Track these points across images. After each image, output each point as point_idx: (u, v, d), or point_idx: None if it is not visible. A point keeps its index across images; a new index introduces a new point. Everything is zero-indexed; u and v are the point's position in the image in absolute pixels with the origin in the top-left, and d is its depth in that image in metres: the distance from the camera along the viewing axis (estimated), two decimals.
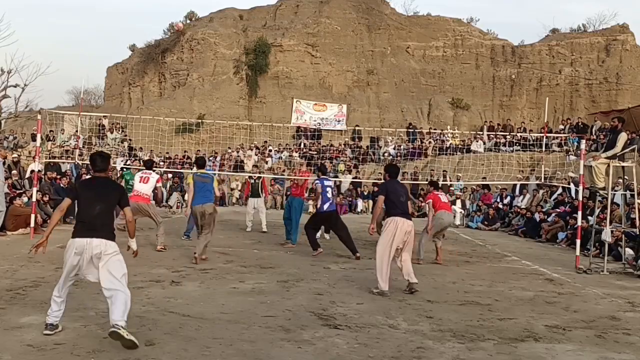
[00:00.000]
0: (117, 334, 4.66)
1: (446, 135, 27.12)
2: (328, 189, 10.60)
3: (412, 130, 27.60)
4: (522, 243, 14.74)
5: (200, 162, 10.20)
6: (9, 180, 14.51)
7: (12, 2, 62.52)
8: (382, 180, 11.14)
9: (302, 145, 26.72)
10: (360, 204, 22.13)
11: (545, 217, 15.91)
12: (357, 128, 27.66)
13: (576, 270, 10.15)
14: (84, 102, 27.55)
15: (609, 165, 10.37)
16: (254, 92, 29.98)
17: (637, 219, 10.94)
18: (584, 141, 12.09)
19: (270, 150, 26.14)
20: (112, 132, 25.17)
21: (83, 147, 19.82)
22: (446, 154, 24.47)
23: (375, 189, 15.53)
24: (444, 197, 10.87)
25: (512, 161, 23.00)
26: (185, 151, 25.12)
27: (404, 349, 5.21)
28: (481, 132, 26.98)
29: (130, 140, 24.58)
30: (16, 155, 19.10)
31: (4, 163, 11.97)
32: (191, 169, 14.79)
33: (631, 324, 6.55)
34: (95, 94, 41.38)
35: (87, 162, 13.24)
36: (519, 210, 17.57)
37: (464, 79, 32.26)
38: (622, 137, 10.30)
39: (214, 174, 12.34)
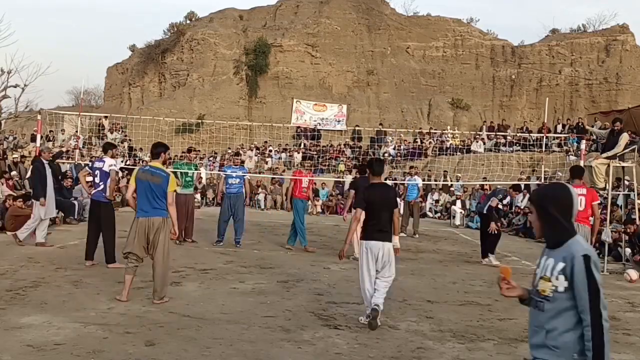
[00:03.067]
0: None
1: (446, 136, 27.12)
2: (97, 171, 9.01)
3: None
4: (522, 243, 14.74)
5: (152, 150, 6.91)
6: (9, 180, 14.54)
7: (12, 2, 62.59)
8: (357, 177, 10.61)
9: (302, 146, 26.73)
10: None
11: None
12: (357, 128, 27.67)
13: None
14: (84, 102, 27.55)
15: (609, 166, 10.39)
16: (254, 93, 29.97)
17: (637, 218, 10.96)
18: (584, 141, 12.12)
19: (270, 151, 26.15)
20: (112, 133, 25.19)
21: (83, 147, 19.84)
22: (446, 154, 24.47)
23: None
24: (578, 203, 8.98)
25: (512, 161, 23.00)
26: (183, 151, 25.05)
27: (404, 349, 5.22)
28: (481, 133, 26.98)
29: (130, 140, 24.59)
30: (17, 156, 19.11)
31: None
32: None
33: (631, 324, 6.56)
34: (95, 94, 41.46)
35: (88, 162, 13.24)
36: (519, 210, 17.57)
37: (464, 79, 32.25)
38: (624, 138, 10.33)
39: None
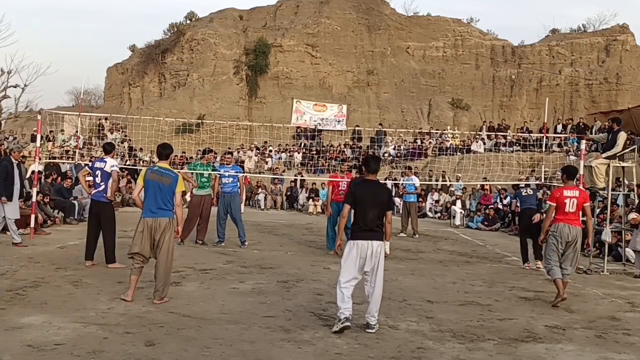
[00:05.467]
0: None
1: (446, 136, 27.12)
2: (98, 172, 8.55)
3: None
4: None
5: (162, 152, 6.81)
6: None
7: (13, 2, 62.64)
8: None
9: (302, 146, 26.73)
10: None
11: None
12: (357, 128, 27.67)
13: (576, 270, 10.14)
14: (84, 103, 27.56)
15: (609, 166, 10.38)
16: (254, 93, 29.99)
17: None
18: (584, 141, 12.09)
19: (270, 151, 26.15)
20: (112, 133, 25.19)
21: (83, 147, 19.85)
22: (446, 154, 24.48)
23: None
24: (569, 205, 7.57)
25: (512, 161, 22.99)
26: (183, 152, 25.12)
27: (404, 349, 5.21)
28: (481, 133, 26.99)
29: (130, 140, 24.58)
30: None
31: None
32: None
33: (631, 324, 6.55)
34: (95, 95, 41.48)
35: (88, 162, 13.22)
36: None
37: (464, 79, 32.26)
38: (622, 136, 10.33)
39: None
